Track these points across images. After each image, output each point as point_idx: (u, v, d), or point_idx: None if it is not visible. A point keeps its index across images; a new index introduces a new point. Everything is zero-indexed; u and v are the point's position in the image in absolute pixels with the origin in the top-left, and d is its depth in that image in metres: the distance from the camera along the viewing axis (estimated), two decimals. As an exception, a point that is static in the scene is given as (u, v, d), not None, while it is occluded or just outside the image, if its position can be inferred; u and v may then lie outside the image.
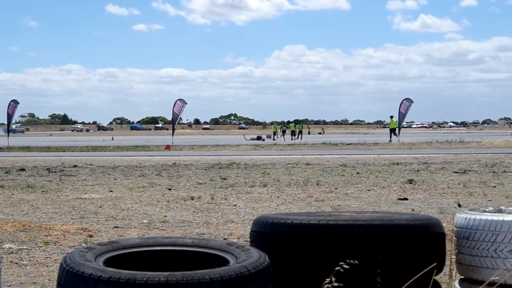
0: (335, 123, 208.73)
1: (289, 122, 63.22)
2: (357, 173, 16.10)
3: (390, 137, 44.40)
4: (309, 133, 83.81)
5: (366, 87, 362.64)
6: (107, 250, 3.11)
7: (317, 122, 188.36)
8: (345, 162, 20.64)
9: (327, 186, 12.79)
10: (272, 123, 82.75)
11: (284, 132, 59.24)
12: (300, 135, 58.68)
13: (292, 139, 53.83)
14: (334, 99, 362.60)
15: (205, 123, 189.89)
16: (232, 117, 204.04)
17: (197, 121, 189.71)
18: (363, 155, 25.11)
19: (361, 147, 34.23)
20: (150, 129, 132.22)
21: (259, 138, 54.26)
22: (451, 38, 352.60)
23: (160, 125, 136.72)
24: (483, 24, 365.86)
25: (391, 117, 48.14)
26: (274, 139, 54.29)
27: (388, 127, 51.65)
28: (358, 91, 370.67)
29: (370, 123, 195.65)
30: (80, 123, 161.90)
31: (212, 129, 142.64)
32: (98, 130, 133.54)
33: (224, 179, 14.65)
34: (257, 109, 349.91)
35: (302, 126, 65.04)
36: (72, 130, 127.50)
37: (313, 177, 14.82)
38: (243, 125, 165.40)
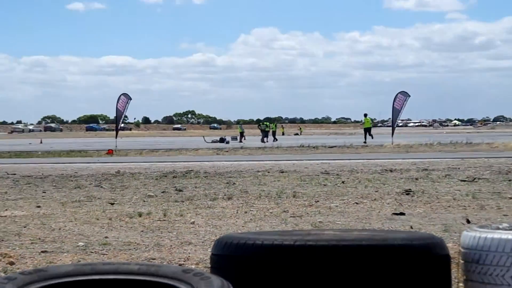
0: (315, 121, 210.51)
1: (259, 121, 63.35)
2: (343, 182, 16.19)
3: (365, 138, 45.30)
4: (283, 133, 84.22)
5: (351, 78, 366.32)
6: (32, 280, 3.07)
7: (293, 121, 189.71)
8: (327, 169, 20.74)
9: (305, 199, 12.83)
10: (238, 122, 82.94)
11: (264, 132, 58.52)
12: (273, 137, 58.90)
13: (262, 141, 53.93)
14: (313, 92, 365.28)
15: (156, 122, 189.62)
16: (189, 115, 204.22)
17: (146, 120, 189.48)
18: (349, 160, 25.26)
19: (347, 151, 34.46)
20: (113, 130, 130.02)
21: (222, 140, 54.11)
22: (453, 18, 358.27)
23: (122, 124, 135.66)
24: (492, 2, 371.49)
25: (365, 115, 49.28)
26: (241, 141, 54.34)
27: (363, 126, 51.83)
28: (342, 83, 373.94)
29: (357, 121, 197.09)
30: (25, 122, 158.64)
31: (185, 129, 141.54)
32: (45, 130, 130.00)
33: (180, 190, 14.61)
34: (219, 105, 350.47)
35: (276, 126, 65.34)
36: (11, 132, 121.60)
37: (288, 188, 14.86)
38: (215, 125, 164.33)
